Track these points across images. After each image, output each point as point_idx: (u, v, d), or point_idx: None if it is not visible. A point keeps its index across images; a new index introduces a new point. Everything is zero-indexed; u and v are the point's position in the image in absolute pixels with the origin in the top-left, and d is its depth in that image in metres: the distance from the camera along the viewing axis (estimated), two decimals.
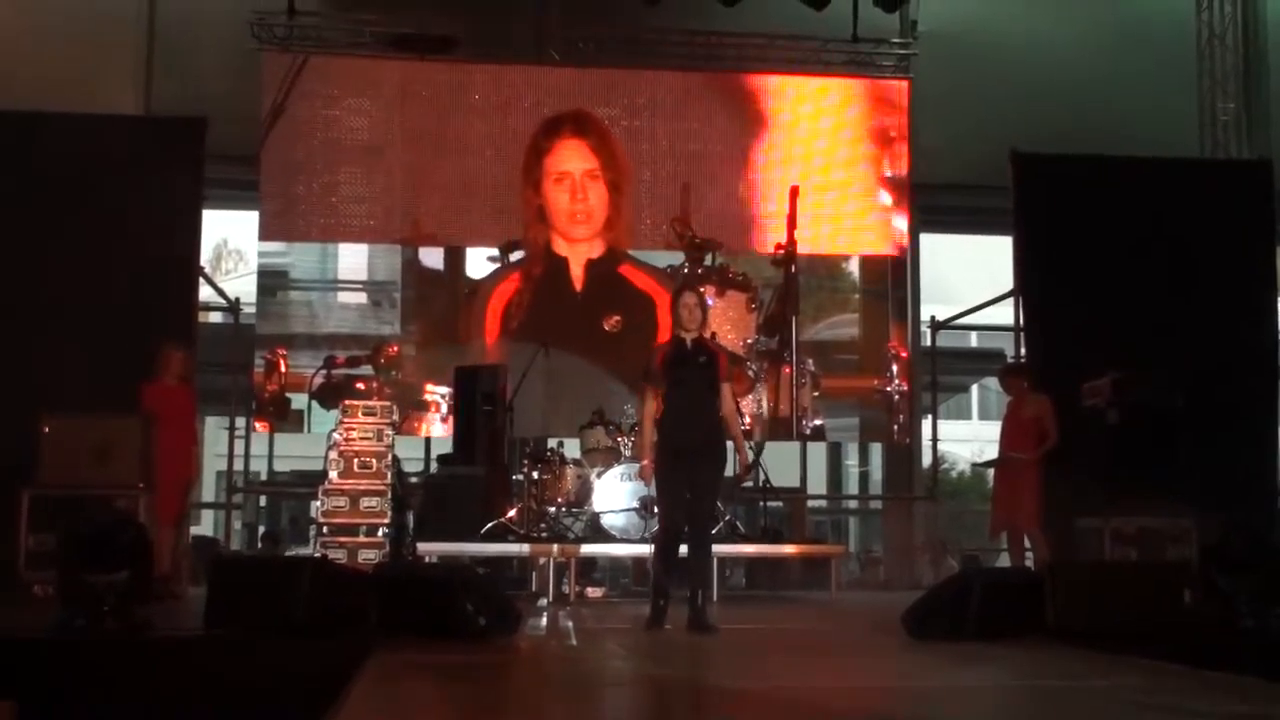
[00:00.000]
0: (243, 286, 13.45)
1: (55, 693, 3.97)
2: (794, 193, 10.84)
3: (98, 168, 10.20)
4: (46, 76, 11.85)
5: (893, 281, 12.73)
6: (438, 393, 10.09)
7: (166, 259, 10.41)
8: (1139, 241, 11.01)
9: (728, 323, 12.13)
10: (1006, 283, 12.05)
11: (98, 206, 10.19)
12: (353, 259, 12.45)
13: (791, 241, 10.95)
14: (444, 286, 12.30)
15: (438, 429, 11.98)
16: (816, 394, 12.29)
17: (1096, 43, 13.37)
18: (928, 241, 14.71)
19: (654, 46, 12.82)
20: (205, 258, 11.45)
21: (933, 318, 13.53)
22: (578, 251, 12.25)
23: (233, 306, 12.87)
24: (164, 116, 11.65)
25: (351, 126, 12.24)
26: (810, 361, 12.25)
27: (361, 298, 12.51)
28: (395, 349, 12.08)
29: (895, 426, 12.58)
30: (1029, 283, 11.44)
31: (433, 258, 12.32)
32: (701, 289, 9.17)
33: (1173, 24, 13.13)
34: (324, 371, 11.54)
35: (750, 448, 10.74)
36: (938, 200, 14.08)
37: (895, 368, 12.51)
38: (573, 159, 12.27)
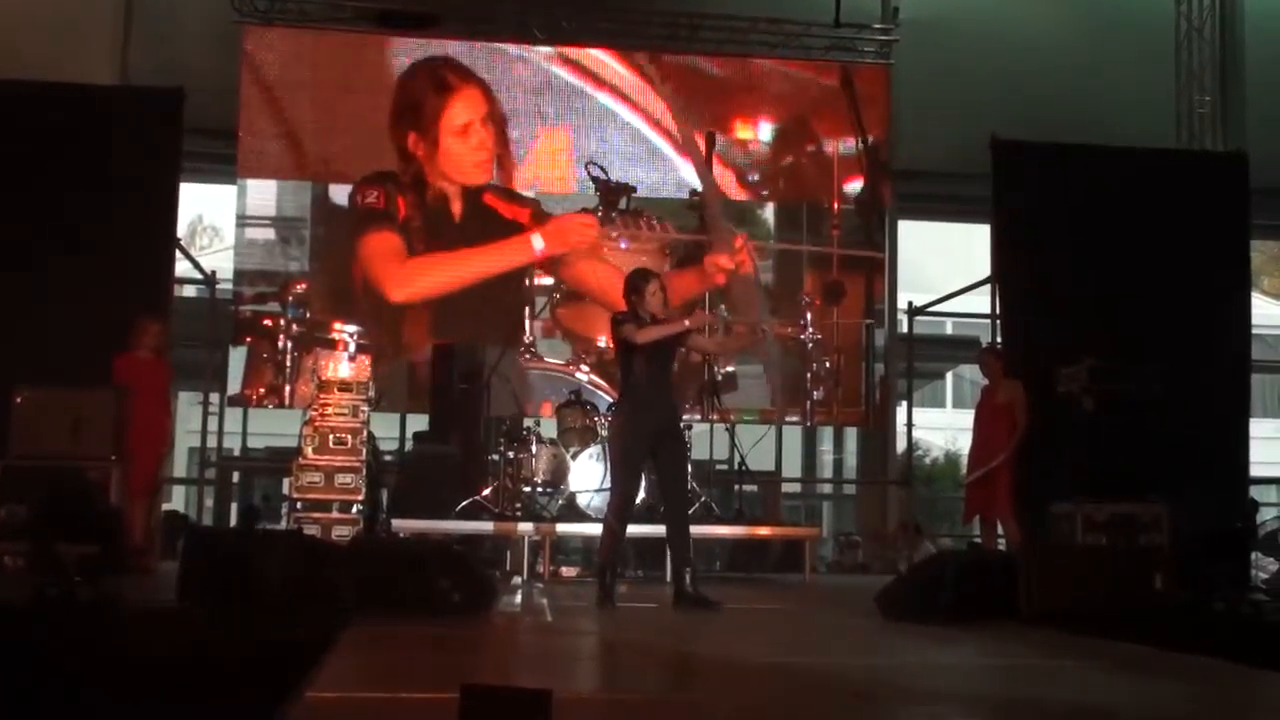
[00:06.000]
0: (219, 262, 13.35)
1: (27, 662, 3.94)
2: (709, 139, 10.75)
3: (73, 137, 10.11)
4: (22, 46, 11.74)
5: (809, 230, 12.59)
6: (346, 331, 9.91)
7: (142, 230, 10.31)
8: (1116, 230, 11.05)
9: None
10: (983, 270, 12.08)
11: (73, 176, 10.07)
12: (260, 195, 12.19)
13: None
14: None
15: (345, 369, 11.79)
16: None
17: (1076, 32, 13.44)
18: (905, 228, 14.74)
19: (638, 28, 12.80)
20: (180, 232, 11.32)
21: (910, 304, 13.55)
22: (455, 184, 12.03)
23: (209, 280, 12.76)
24: (140, 86, 11.54)
25: (262, 61, 12.01)
26: (723, 307, 11.91)
27: (270, 234, 12.28)
28: (303, 285, 11.95)
29: (809, 375, 12.39)
30: (1006, 270, 11.47)
31: (342, 195, 12.05)
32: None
33: (1152, 15, 13.20)
34: (231, 309, 11.42)
35: (727, 428, 10.75)
36: (916, 187, 14.10)
37: (809, 315, 12.36)
38: (470, 109, 12.02)
